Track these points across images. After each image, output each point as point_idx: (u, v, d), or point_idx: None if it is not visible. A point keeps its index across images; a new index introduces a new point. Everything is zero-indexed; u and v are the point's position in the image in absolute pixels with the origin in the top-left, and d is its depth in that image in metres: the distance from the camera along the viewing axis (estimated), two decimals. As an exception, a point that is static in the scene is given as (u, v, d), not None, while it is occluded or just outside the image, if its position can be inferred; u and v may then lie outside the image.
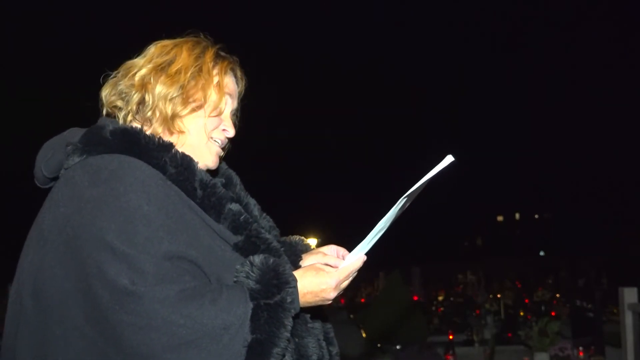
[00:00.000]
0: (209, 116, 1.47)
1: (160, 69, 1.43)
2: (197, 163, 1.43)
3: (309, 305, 1.38)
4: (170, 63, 1.44)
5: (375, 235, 1.41)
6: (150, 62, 1.45)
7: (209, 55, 1.48)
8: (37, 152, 1.48)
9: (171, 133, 1.44)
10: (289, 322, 1.29)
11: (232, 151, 1.65)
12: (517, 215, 50.17)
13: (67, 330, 1.25)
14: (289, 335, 1.29)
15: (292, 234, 1.64)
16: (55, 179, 1.42)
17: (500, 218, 50.27)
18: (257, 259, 1.32)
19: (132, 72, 1.44)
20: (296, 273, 1.36)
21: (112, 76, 1.48)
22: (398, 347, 6.28)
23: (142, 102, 1.43)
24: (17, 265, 1.38)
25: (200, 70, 1.45)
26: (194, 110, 1.45)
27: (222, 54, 1.53)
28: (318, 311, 1.49)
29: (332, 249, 1.51)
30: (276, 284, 1.29)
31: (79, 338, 1.24)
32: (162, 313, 1.19)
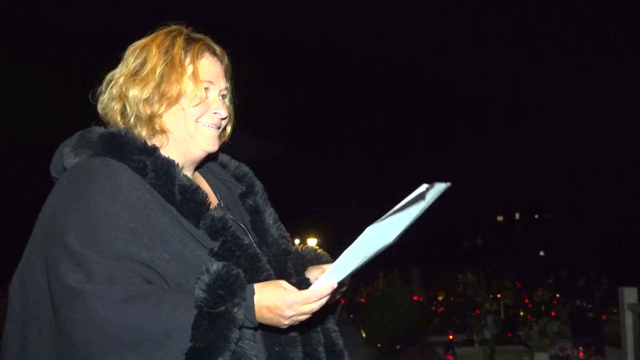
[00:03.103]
0: (191, 107, 1.46)
1: (134, 74, 1.44)
2: (181, 166, 1.44)
3: (266, 321, 1.33)
4: (142, 65, 1.45)
5: (350, 262, 1.29)
6: (125, 68, 1.46)
7: (178, 44, 1.46)
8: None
9: (155, 133, 1.45)
10: (230, 333, 1.26)
11: (232, 152, 1.65)
12: (517, 215, 50.17)
13: (41, 324, 1.31)
14: (232, 346, 1.26)
15: (292, 234, 1.63)
16: None
17: (500, 218, 50.27)
18: (214, 267, 1.30)
19: (111, 85, 1.46)
20: (256, 285, 1.33)
21: (98, 91, 1.50)
22: (398, 347, 6.28)
23: (124, 110, 1.45)
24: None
25: (171, 63, 1.44)
26: (170, 105, 1.44)
27: (194, 36, 1.50)
28: (316, 320, 1.47)
29: None
30: (222, 294, 1.26)
31: (49, 331, 1.29)
32: (101, 311, 1.21)
